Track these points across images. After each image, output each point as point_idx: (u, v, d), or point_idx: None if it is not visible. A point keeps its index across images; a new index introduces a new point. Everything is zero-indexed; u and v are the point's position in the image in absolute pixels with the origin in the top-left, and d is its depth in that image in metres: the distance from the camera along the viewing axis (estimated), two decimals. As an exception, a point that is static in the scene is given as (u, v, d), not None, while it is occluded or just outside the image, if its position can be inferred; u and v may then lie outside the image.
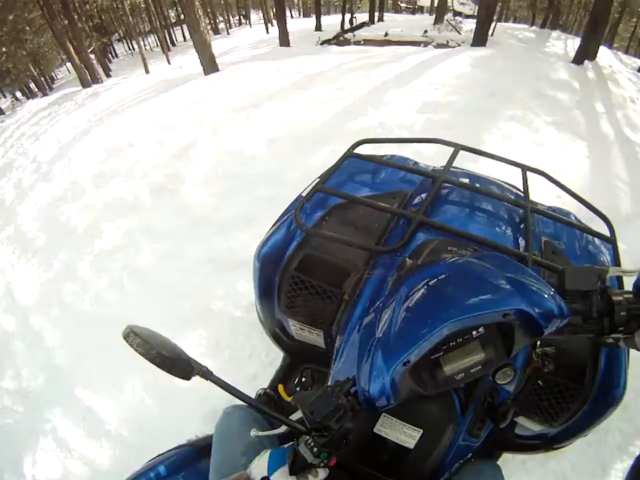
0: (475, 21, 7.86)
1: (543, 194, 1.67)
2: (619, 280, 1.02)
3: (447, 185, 1.16)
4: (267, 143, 3.58)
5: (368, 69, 5.22)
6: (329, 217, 1.10)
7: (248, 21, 25.25)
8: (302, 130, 3.69)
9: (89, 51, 11.06)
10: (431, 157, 1.95)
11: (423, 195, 1.11)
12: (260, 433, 0.69)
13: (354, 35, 11.64)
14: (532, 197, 1.15)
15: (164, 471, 0.93)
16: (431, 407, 0.77)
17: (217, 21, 23.86)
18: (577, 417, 0.92)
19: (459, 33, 9.45)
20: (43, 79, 17.94)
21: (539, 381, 0.91)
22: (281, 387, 1.26)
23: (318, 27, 14.85)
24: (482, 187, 1.17)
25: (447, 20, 12.14)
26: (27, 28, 12.97)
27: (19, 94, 20.14)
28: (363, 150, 1.26)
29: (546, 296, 0.61)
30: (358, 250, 1.01)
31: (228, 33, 20.42)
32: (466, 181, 1.22)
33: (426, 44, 8.85)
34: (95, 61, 13.39)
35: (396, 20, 17.06)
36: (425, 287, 0.68)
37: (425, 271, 0.74)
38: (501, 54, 6.19)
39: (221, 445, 0.88)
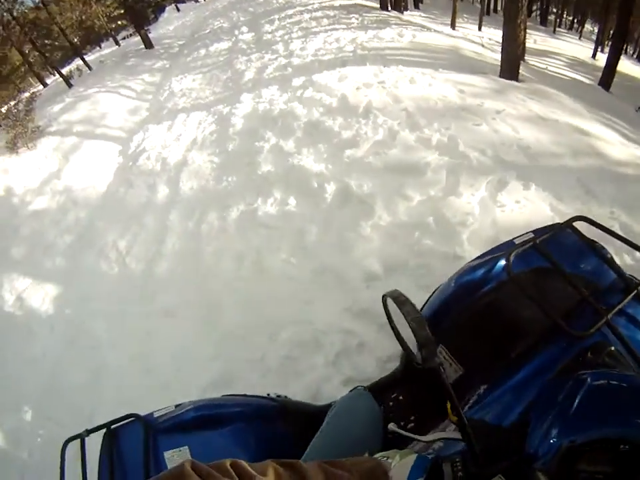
0: None
1: None
2: None
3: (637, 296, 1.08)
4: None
5: None
6: (527, 275, 1.10)
7: (579, 29, 21.10)
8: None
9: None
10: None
11: (615, 296, 1.08)
12: (397, 430, 0.73)
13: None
14: None
15: (238, 411, 1.20)
16: None
17: (549, 11, 20.26)
18: None
19: None
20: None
21: None
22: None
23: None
24: None
25: None
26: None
27: None
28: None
29: None
30: (540, 316, 1.02)
31: (554, 32, 17.26)
32: None
33: None
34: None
35: None
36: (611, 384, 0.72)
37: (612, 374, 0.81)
38: None
39: (343, 420, 0.98)
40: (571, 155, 3.84)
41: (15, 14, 10.89)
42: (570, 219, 1.25)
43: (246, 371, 2.23)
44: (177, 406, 1.24)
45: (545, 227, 1.26)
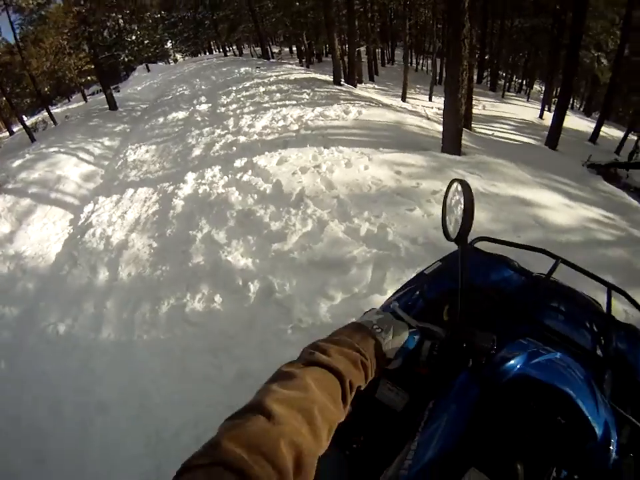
0: None
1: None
2: None
3: (546, 290, 1.29)
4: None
5: None
6: (442, 297, 1.20)
7: (528, 91, 22.66)
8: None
9: (355, 51, 10.91)
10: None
11: (528, 294, 1.25)
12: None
13: (627, 175, 8.20)
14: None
15: None
16: None
17: (498, 76, 21.72)
18: None
19: None
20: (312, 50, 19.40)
21: None
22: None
23: (593, 138, 11.97)
24: (573, 296, 1.33)
25: None
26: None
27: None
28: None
29: None
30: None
31: (502, 96, 18.26)
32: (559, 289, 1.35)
33: None
34: (364, 62, 13.46)
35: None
36: None
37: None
38: None
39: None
40: (511, 231, 3.85)
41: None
42: (471, 241, 1.40)
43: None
44: None
45: (451, 253, 1.39)
